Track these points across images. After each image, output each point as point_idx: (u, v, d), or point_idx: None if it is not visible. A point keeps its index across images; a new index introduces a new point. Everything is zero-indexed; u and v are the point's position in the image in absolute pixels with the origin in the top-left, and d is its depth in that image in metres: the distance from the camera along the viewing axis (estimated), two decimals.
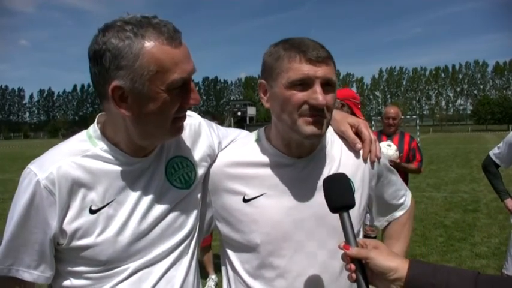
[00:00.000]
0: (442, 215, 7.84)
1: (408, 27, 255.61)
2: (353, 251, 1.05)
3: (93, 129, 1.20)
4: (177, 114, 1.12)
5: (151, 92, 1.05)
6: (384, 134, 4.96)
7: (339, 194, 1.11)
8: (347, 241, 1.07)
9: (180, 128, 1.18)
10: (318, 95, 1.14)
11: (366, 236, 3.97)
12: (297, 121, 1.18)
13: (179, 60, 1.06)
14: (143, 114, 1.08)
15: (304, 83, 1.15)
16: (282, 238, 1.26)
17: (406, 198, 1.54)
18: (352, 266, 1.04)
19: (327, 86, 1.17)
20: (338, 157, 1.34)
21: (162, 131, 1.14)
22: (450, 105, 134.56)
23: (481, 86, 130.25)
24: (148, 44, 1.03)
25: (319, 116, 1.18)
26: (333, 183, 1.14)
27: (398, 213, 1.52)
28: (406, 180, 4.91)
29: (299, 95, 1.16)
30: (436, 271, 0.99)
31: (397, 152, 4.55)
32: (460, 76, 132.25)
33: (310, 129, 1.18)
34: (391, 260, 1.03)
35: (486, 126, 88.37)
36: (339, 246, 1.08)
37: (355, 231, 1.34)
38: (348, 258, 1.06)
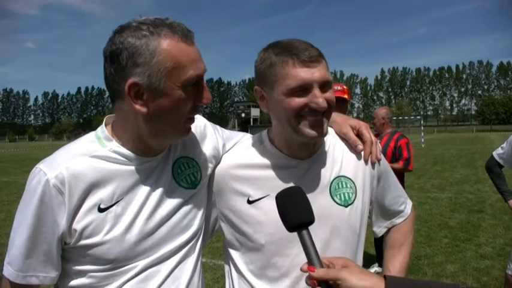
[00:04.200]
0: (446, 215, 7.80)
1: (412, 28, 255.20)
2: (320, 272, 0.93)
3: (101, 130, 1.22)
4: (191, 114, 1.16)
5: (166, 88, 1.08)
6: (376, 133, 5.13)
7: (295, 211, 0.99)
8: (310, 262, 0.95)
9: (189, 129, 1.21)
10: (319, 99, 1.16)
11: None
12: (299, 125, 1.19)
13: (194, 57, 1.11)
14: (158, 111, 1.10)
15: (303, 89, 1.16)
16: (286, 238, 1.26)
17: (406, 206, 1.54)
18: None
19: (325, 86, 1.19)
20: (340, 158, 1.36)
21: (174, 130, 1.16)
22: (454, 105, 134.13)
23: (485, 86, 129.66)
24: (164, 42, 1.06)
25: (321, 116, 1.19)
26: (286, 199, 1.02)
27: (398, 220, 1.52)
28: (401, 181, 4.88)
29: (299, 100, 1.17)
30: (415, 286, 0.94)
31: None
32: (464, 76, 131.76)
33: (312, 132, 1.20)
34: (366, 279, 0.93)
35: (491, 127, 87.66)
36: (301, 269, 0.97)
37: (360, 232, 1.36)
38: (313, 282, 0.93)
